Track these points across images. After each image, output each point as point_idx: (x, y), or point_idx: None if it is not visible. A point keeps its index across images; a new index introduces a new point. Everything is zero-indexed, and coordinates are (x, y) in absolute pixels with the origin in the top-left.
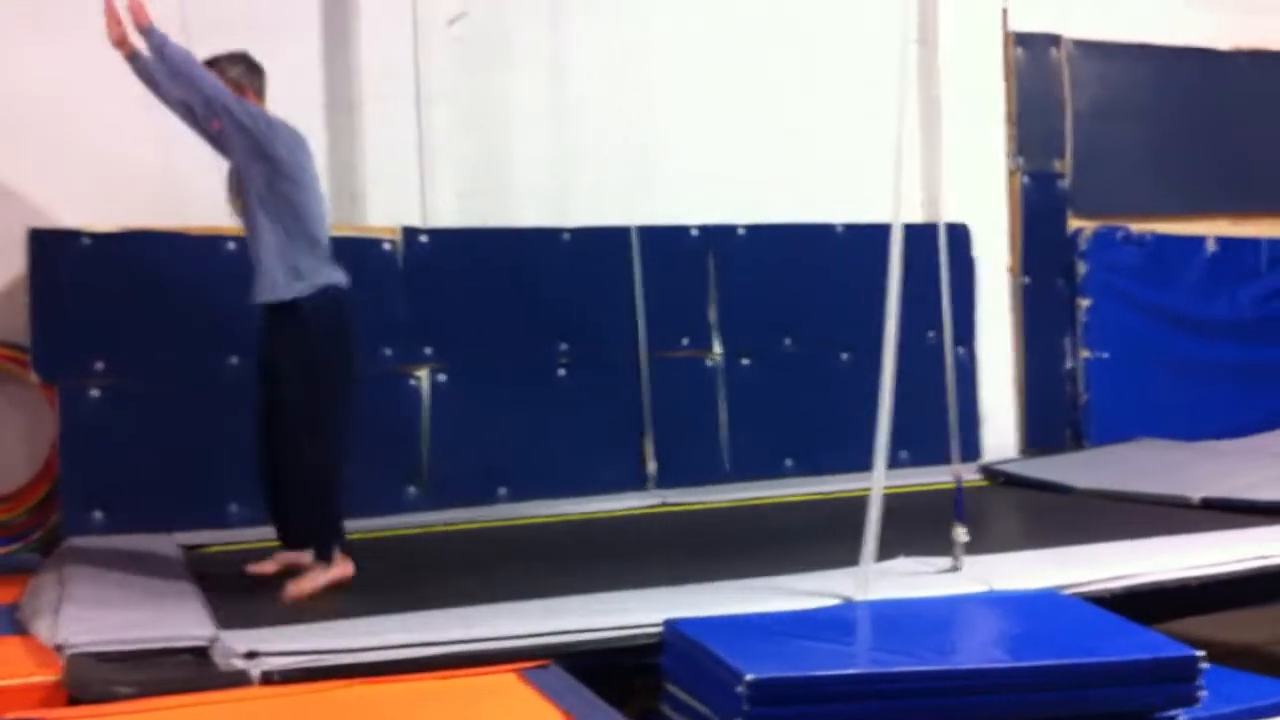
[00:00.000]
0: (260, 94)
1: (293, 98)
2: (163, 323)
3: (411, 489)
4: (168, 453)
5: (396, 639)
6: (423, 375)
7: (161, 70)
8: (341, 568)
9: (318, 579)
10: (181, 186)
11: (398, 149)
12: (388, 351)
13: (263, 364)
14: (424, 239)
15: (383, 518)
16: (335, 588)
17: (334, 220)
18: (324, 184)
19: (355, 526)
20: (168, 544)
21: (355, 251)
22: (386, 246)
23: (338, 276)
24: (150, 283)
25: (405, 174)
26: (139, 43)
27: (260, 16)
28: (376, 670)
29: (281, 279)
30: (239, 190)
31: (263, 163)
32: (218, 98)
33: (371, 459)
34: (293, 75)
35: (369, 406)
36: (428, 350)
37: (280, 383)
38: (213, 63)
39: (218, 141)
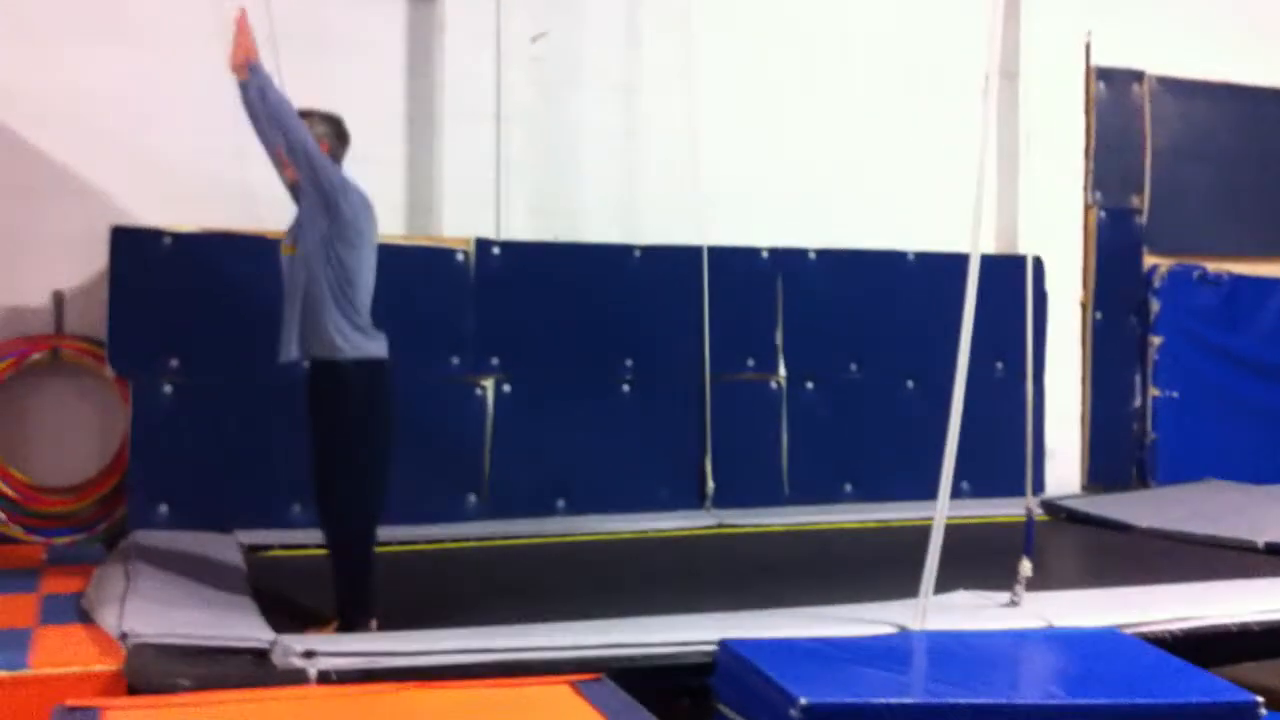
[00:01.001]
0: (338, 160)
1: (375, 109)
2: (237, 323)
3: (472, 498)
4: (235, 451)
5: (452, 645)
6: (488, 385)
7: (260, 108)
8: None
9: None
10: (257, 192)
11: (474, 162)
12: (455, 360)
13: (308, 417)
14: (496, 251)
15: (442, 525)
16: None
17: (409, 230)
18: (401, 195)
19: (415, 535)
20: (230, 544)
21: (428, 261)
22: (459, 258)
23: (378, 348)
24: (227, 284)
25: (481, 187)
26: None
27: (347, 29)
28: (431, 675)
29: (327, 337)
30: (295, 240)
31: (327, 219)
32: (302, 145)
33: (434, 467)
34: (376, 87)
35: (434, 414)
36: (494, 361)
37: (319, 442)
38: (305, 114)
39: (292, 190)
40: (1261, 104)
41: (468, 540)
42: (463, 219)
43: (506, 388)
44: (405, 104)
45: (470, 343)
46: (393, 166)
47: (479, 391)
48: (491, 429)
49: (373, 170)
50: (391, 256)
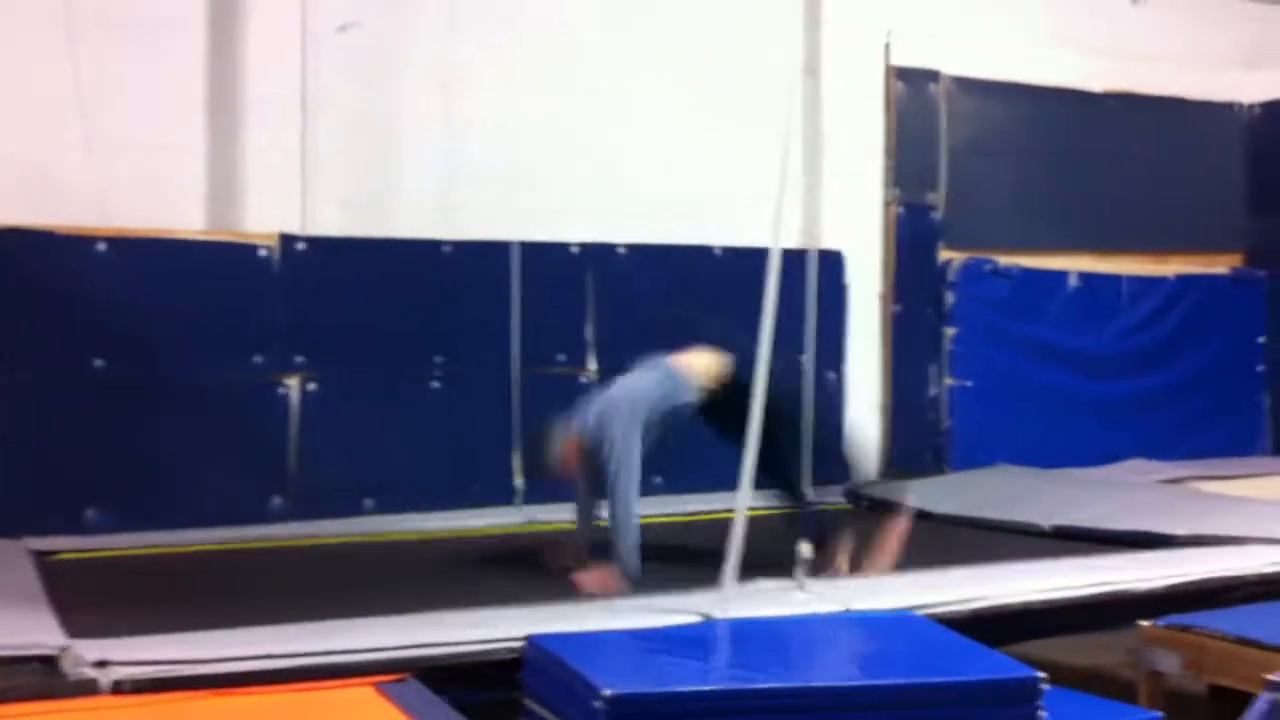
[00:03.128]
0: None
1: (173, 94)
2: (27, 321)
3: (276, 499)
4: (25, 454)
5: (251, 650)
6: (293, 384)
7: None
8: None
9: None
10: (66, 187)
11: (280, 154)
12: (258, 359)
13: None
14: (302, 246)
15: (246, 527)
16: None
17: (209, 223)
18: (202, 186)
19: (218, 536)
20: (18, 549)
21: (230, 257)
22: (263, 253)
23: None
24: (17, 281)
25: (286, 180)
26: None
27: (145, 11)
28: (231, 682)
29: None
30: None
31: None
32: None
33: (236, 467)
34: (174, 71)
35: (235, 414)
36: (300, 359)
37: None
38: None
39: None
40: (1052, 103)
41: (271, 540)
42: (267, 211)
43: (312, 386)
44: (206, 89)
45: (274, 340)
46: (192, 155)
47: (282, 390)
48: (297, 428)
49: (170, 159)
50: (190, 251)
